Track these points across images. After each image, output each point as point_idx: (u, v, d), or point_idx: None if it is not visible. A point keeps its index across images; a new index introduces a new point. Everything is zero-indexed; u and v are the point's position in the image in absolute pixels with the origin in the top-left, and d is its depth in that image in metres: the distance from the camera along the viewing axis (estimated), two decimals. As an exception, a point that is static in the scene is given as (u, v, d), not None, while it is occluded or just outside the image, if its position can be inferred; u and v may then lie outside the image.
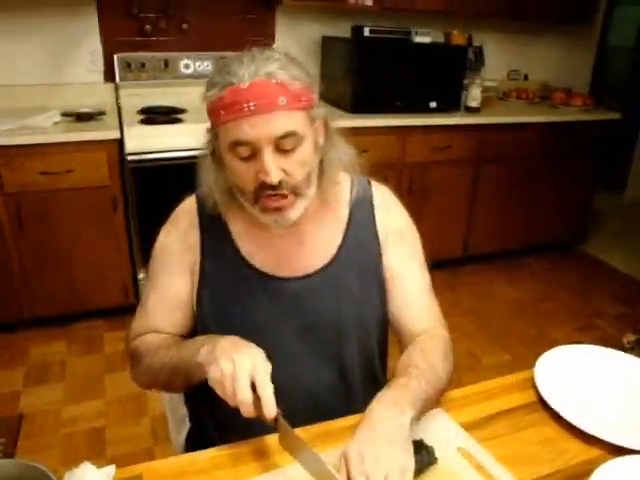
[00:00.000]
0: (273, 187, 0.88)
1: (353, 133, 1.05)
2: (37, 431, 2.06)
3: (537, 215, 3.53)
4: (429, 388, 0.90)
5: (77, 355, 2.52)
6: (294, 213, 0.93)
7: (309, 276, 1.03)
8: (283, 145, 0.87)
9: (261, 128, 0.84)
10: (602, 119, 3.47)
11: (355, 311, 1.05)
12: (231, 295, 1.02)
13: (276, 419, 0.81)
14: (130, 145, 2.42)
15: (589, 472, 0.84)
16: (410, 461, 0.77)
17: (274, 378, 1.02)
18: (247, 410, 0.79)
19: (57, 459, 1.86)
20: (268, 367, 0.82)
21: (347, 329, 1.04)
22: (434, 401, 0.95)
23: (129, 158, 2.43)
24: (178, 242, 1.05)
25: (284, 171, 0.88)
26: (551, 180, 3.47)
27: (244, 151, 0.87)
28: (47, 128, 2.42)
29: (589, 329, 2.88)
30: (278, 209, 0.91)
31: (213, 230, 1.04)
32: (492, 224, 3.40)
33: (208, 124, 0.94)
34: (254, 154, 0.87)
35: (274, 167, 0.86)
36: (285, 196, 0.90)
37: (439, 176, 3.13)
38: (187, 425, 1.24)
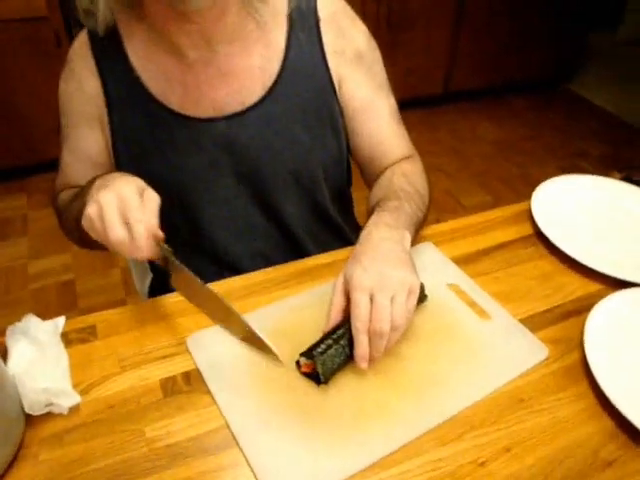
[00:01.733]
0: None
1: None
2: (4, 288, 2.00)
3: (523, 49, 3.27)
4: (418, 211, 0.82)
5: (38, 208, 2.39)
6: None
7: (238, 115, 0.85)
8: None
9: None
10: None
11: (299, 155, 0.89)
12: (150, 147, 0.85)
13: (167, 260, 0.68)
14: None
15: (588, 307, 0.78)
16: (416, 282, 0.68)
17: (219, 237, 0.91)
18: (126, 250, 0.63)
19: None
20: (150, 198, 0.65)
21: (289, 177, 0.90)
22: (422, 224, 0.87)
23: (67, -18, 2.09)
24: (76, 91, 0.86)
25: None
26: (539, 10, 3.16)
27: None
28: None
29: (572, 169, 2.80)
30: None
31: (114, 71, 0.84)
32: (476, 58, 3.16)
33: None
34: None
35: None
36: None
37: (420, 4, 2.82)
38: (150, 274, 1.15)
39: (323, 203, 0.97)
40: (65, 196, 0.88)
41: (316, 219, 0.98)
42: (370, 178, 0.96)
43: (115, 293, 1.96)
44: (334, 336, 0.67)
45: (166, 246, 0.67)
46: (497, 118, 3.25)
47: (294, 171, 0.89)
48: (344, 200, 1.05)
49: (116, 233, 0.62)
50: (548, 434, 0.64)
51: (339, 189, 1.00)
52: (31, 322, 0.71)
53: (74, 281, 2.02)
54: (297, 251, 0.96)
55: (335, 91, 0.89)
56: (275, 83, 0.85)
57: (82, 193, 0.74)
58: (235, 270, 0.90)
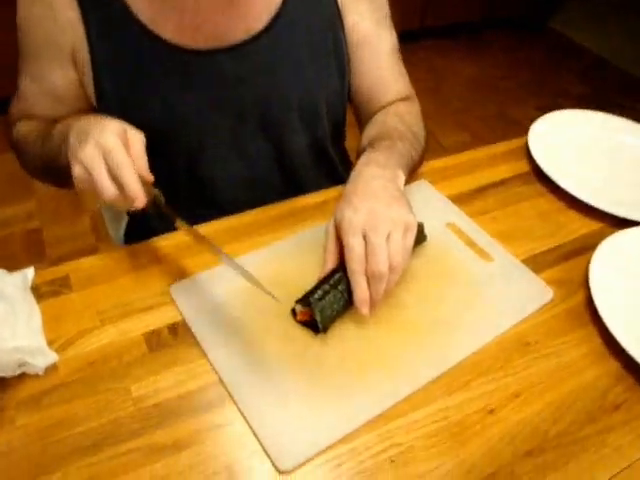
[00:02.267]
0: None
1: None
2: (-35, 238, 1.88)
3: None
4: (412, 150, 0.78)
5: (-3, 153, 2.24)
6: None
7: (243, 45, 0.76)
8: None
9: None
10: None
11: (304, 88, 0.82)
12: (140, 84, 0.75)
13: (155, 204, 0.62)
14: None
15: (591, 246, 0.75)
16: (412, 219, 0.63)
17: (219, 181, 0.85)
18: (122, 205, 0.58)
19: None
20: (135, 139, 0.59)
21: (294, 111, 0.83)
22: (417, 166, 0.83)
23: None
24: (46, 19, 0.72)
25: None
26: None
27: None
28: None
29: (551, 109, 2.75)
30: None
31: None
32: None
33: None
34: None
35: None
36: None
37: None
38: (125, 217, 1.07)
39: (323, 139, 0.91)
40: (26, 129, 0.79)
41: (315, 156, 0.92)
42: (365, 119, 0.90)
43: (86, 240, 1.87)
44: (331, 281, 0.62)
45: (156, 190, 0.61)
46: (475, 55, 3.16)
47: (299, 105, 0.82)
48: (341, 137, 0.99)
49: (108, 192, 0.56)
50: (556, 378, 0.62)
51: (337, 125, 0.94)
52: (-4, 274, 0.64)
53: (41, 229, 1.92)
54: (298, 194, 0.91)
55: (342, 20, 0.82)
56: (281, 8, 0.77)
57: (54, 134, 0.66)
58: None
